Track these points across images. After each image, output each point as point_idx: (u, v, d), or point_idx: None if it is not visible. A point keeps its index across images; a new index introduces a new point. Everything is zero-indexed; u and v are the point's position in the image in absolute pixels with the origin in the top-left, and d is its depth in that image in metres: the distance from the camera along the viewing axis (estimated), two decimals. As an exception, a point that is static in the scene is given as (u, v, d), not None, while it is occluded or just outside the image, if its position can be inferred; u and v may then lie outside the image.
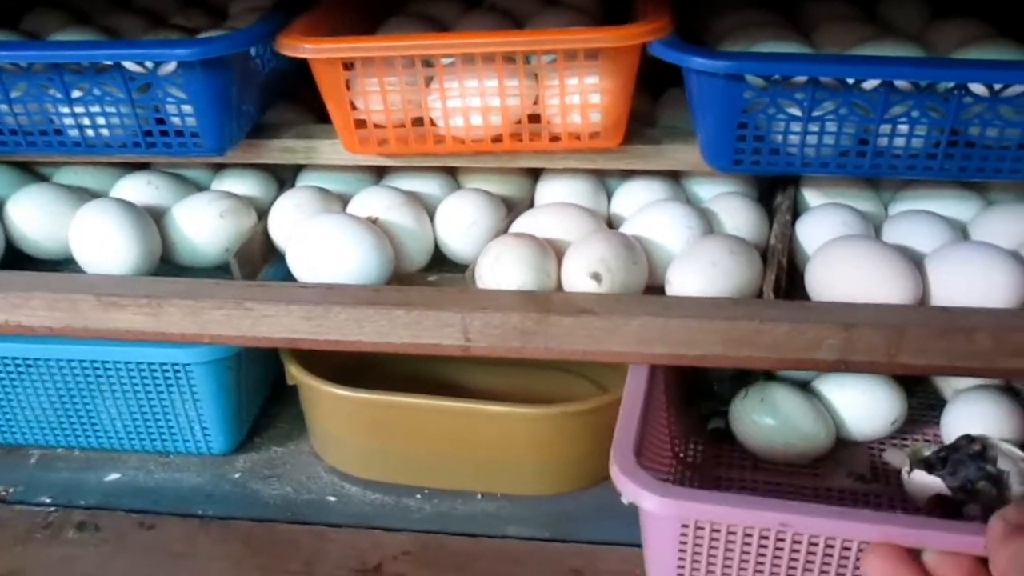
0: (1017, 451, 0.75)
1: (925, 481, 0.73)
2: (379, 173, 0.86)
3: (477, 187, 0.83)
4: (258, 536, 0.77)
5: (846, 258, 0.71)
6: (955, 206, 0.79)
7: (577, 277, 0.71)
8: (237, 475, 0.85)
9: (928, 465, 0.74)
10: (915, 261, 0.71)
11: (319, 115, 0.82)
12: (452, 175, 0.86)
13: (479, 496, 0.83)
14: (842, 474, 0.82)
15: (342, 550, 0.75)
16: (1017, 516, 0.50)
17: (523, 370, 0.91)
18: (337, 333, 0.71)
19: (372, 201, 0.80)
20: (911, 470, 0.74)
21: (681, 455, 0.81)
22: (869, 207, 0.80)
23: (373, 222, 0.77)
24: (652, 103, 0.87)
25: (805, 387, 0.86)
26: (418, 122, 0.75)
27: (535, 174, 0.85)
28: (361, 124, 0.76)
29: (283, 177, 0.87)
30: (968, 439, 0.74)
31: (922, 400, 0.90)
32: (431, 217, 0.81)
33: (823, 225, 0.76)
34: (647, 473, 0.66)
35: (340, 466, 0.84)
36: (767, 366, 0.69)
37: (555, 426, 0.78)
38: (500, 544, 0.77)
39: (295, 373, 0.81)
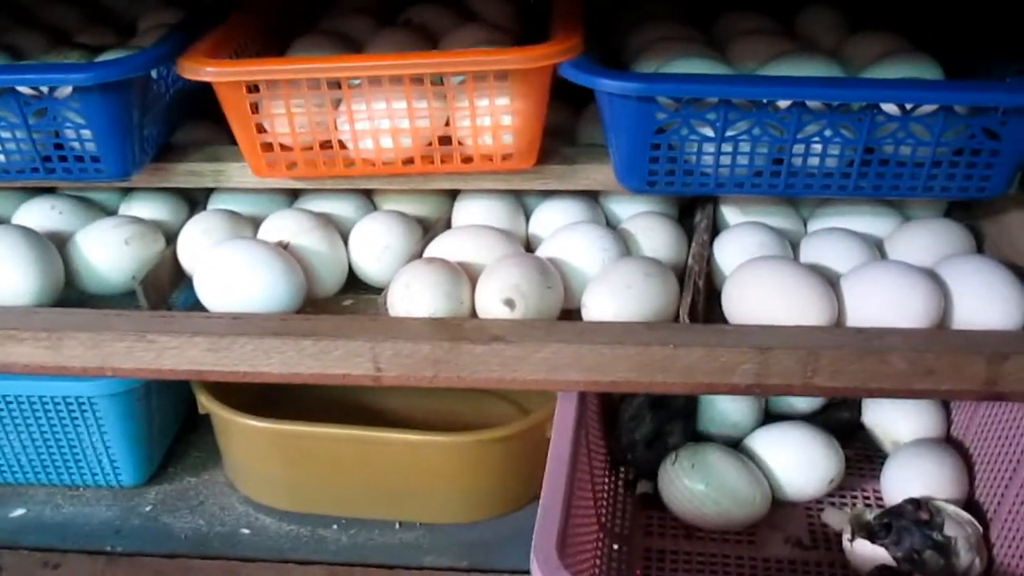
0: (964, 514, 0.71)
1: (868, 551, 0.70)
2: (294, 194, 0.84)
3: (393, 208, 0.81)
4: (167, 573, 0.74)
5: (761, 280, 0.70)
6: (873, 222, 0.79)
7: (490, 303, 0.69)
8: (148, 508, 0.82)
9: (871, 532, 0.71)
10: (831, 281, 0.71)
11: (233, 134, 0.80)
12: (368, 196, 0.84)
13: (397, 526, 0.81)
14: (779, 540, 0.77)
15: (254, 587, 0.73)
16: None
17: (443, 393, 0.89)
18: (245, 365, 0.69)
19: (283, 225, 0.78)
20: (852, 538, 0.72)
21: (608, 524, 0.75)
22: (788, 224, 0.80)
23: (284, 247, 0.75)
24: (573, 116, 0.85)
25: (736, 446, 0.81)
26: (327, 145, 0.73)
27: (453, 194, 0.83)
28: (269, 147, 0.74)
29: (195, 198, 0.85)
30: (914, 504, 0.71)
31: (860, 452, 0.86)
32: (345, 240, 0.79)
33: (740, 245, 0.75)
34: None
35: (255, 496, 0.82)
36: (682, 391, 0.68)
37: (472, 453, 0.76)
38: (417, 575, 0.75)
39: (205, 402, 0.78)
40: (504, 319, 0.69)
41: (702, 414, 0.79)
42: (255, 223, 0.80)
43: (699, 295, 0.72)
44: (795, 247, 0.78)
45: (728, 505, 0.74)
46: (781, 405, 0.85)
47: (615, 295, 0.69)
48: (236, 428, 0.79)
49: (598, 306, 0.70)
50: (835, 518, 0.78)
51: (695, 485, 0.74)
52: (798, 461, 0.78)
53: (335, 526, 0.80)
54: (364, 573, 0.75)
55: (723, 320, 0.72)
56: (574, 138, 0.83)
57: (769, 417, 0.84)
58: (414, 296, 0.69)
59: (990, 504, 0.72)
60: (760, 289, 0.70)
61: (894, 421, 0.81)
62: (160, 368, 0.69)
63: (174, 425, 0.90)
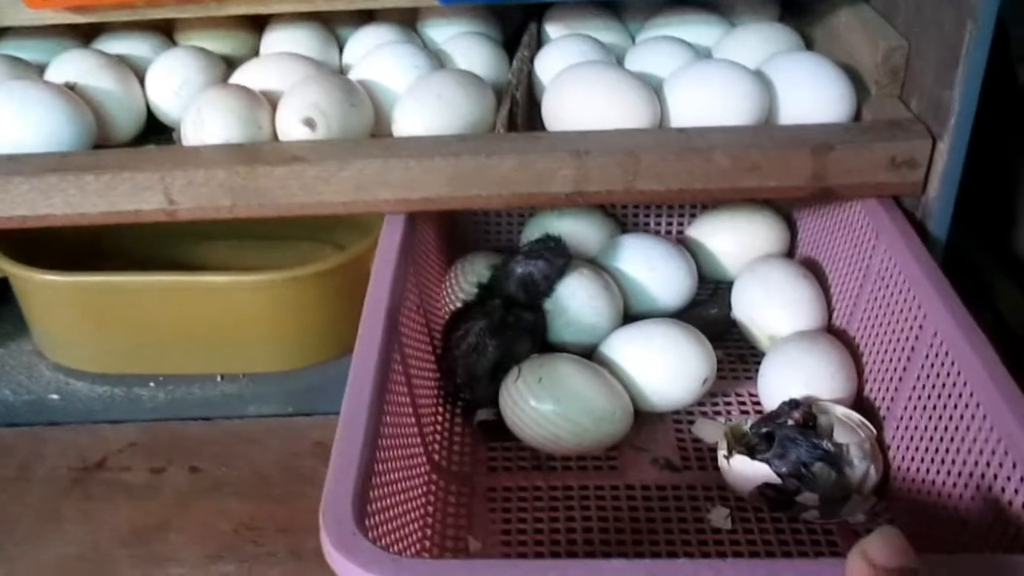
0: (854, 416, 0.61)
1: (748, 468, 0.58)
2: (87, 38, 0.77)
3: (193, 44, 0.75)
4: (-35, 446, 0.69)
5: (581, 85, 0.67)
6: (700, 31, 0.76)
7: (290, 125, 0.64)
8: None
9: (749, 446, 0.59)
10: (655, 86, 0.67)
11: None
12: (168, 35, 0.77)
13: (219, 379, 0.76)
14: (645, 463, 0.64)
15: (61, 449, 0.68)
16: (883, 555, 0.36)
17: (267, 244, 0.84)
18: (23, 208, 0.63)
19: (70, 66, 0.71)
20: (729, 454, 0.59)
21: (441, 460, 0.62)
22: (615, 38, 0.76)
23: (71, 88, 0.68)
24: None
25: (592, 357, 0.68)
26: (104, -33, 0.66)
27: (259, 29, 0.77)
28: (39, -27, 0.67)
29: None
30: (795, 407, 0.60)
31: (732, 352, 0.73)
32: (141, 81, 0.73)
33: (563, 56, 0.71)
34: (375, 548, 0.42)
35: (64, 362, 0.76)
36: (499, 205, 0.64)
37: (287, 293, 0.72)
38: (238, 425, 0.71)
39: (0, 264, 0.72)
40: (304, 140, 0.64)
41: (553, 320, 0.68)
42: (41, 70, 0.73)
43: (516, 106, 0.68)
44: (621, 60, 0.74)
45: (585, 424, 0.62)
46: (642, 304, 0.76)
47: (424, 106, 0.65)
48: (35, 287, 0.73)
49: (407, 119, 0.65)
50: (708, 430, 0.66)
51: (543, 405, 0.61)
52: (664, 363, 0.65)
53: (152, 384, 0.75)
54: (181, 427, 0.71)
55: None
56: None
57: (629, 320, 0.74)
58: (206, 122, 0.64)
59: (882, 402, 0.62)
60: (579, 94, 0.66)
61: (769, 314, 0.70)
62: (-69, 218, 0.63)
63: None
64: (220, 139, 0.64)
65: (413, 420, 0.58)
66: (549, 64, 0.71)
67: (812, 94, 0.67)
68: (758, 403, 0.67)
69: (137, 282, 0.72)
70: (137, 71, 0.73)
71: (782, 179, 0.65)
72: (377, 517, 0.47)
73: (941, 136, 0.62)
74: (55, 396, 0.74)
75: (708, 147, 0.63)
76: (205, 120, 0.64)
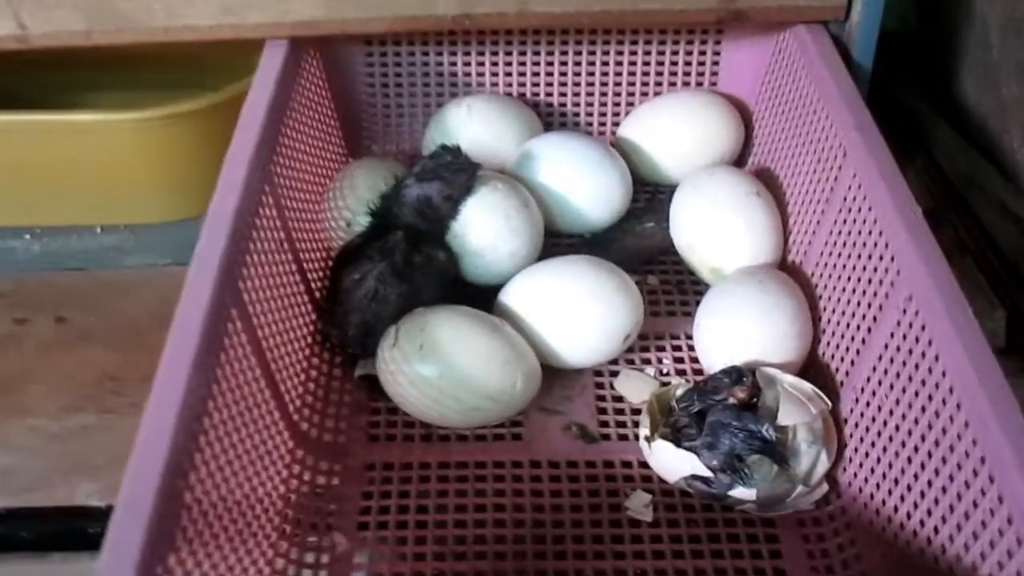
0: (806, 386, 0.50)
1: (673, 457, 0.47)
2: None
3: None
4: None
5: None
6: None
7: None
8: None
9: (676, 429, 0.48)
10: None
11: None
12: None
13: (99, 230, 0.70)
14: (556, 430, 0.53)
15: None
16: None
17: (154, 93, 0.73)
18: None
19: None
20: (652, 437, 0.48)
21: (308, 429, 0.51)
22: None
23: None
24: None
25: (491, 307, 0.55)
26: None
27: None
28: None
29: None
30: (732, 376, 0.48)
31: (668, 281, 0.62)
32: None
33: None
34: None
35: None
36: (379, 28, 0.57)
37: (162, 136, 0.64)
38: (112, 275, 0.66)
39: None
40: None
41: (460, 251, 0.56)
42: None
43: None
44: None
45: (475, 403, 0.50)
46: (565, 219, 0.62)
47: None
48: None
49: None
50: (633, 387, 0.55)
51: (425, 379, 0.50)
52: (578, 317, 0.53)
53: (27, 236, 0.69)
54: (53, 276, 0.66)
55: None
56: None
57: (549, 238, 0.61)
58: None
59: (841, 364, 0.51)
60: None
61: (712, 243, 0.58)
62: None
63: None
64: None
65: (261, 376, 0.47)
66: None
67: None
68: (693, 348, 0.57)
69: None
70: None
71: (689, 1, 0.59)
72: (198, 529, 0.37)
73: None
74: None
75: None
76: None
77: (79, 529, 0.51)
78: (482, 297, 0.56)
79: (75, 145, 0.65)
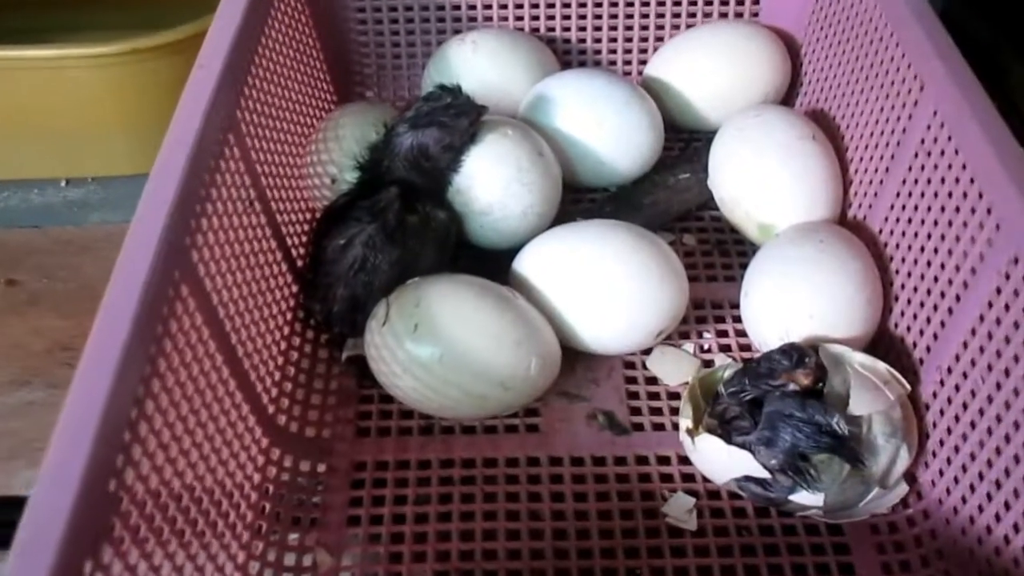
0: (880, 366, 0.41)
1: (721, 454, 0.39)
2: None
3: None
4: None
5: None
6: None
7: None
8: None
9: (724, 420, 0.40)
10: None
11: None
12: None
13: (64, 183, 0.64)
14: (580, 419, 0.45)
15: None
16: None
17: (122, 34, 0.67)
18: None
19: None
20: (695, 430, 0.41)
21: (285, 423, 0.43)
22: None
23: None
24: None
25: (505, 277, 0.47)
26: None
27: None
28: None
29: None
30: (789, 357, 0.39)
31: (707, 239, 0.53)
32: None
33: None
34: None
35: None
36: None
37: (130, 72, 0.57)
38: (72, 232, 0.60)
39: None
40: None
41: (463, 211, 0.49)
42: None
43: None
44: None
45: (480, 391, 0.42)
46: (586, 172, 0.52)
47: None
48: None
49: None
50: (669, 366, 0.47)
51: (420, 364, 0.42)
52: (612, 294, 0.45)
53: None
54: (4, 235, 0.60)
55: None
56: None
57: (568, 193, 0.53)
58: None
59: (920, 338, 0.43)
60: None
61: (760, 195, 0.50)
62: None
63: None
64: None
65: (224, 364, 0.39)
66: None
67: None
68: (740, 320, 0.49)
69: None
70: None
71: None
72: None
73: None
74: None
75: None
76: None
77: (14, 523, 0.44)
78: (489, 264, 0.48)
79: (32, 84, 0.58)
